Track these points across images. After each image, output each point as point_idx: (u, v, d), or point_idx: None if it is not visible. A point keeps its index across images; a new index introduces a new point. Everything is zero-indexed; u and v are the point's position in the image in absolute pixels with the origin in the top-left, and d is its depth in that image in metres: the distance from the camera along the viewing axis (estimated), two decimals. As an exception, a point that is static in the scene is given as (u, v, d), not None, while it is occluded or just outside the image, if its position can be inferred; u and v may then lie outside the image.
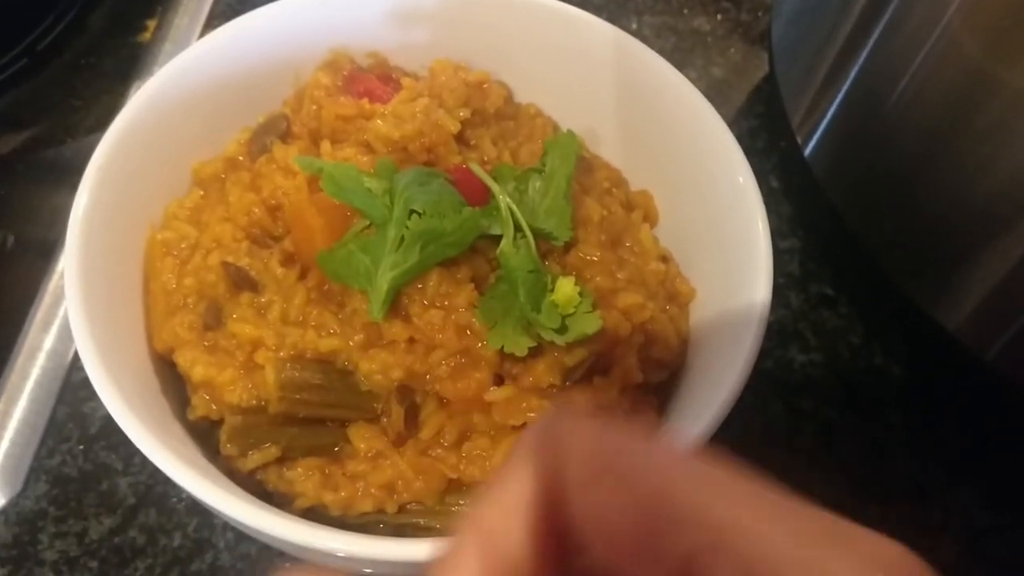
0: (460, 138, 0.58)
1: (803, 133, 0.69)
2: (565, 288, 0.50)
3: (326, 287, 0.52)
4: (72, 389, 0.64)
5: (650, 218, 0.61)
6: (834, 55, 0.64)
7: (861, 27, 0.61)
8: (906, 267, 0.63)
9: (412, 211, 0.50)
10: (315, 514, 0.49)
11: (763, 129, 0.80)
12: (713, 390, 0.48)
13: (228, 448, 0.50)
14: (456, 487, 0.50)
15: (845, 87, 0.63)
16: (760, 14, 0.88)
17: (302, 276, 0.53)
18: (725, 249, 0.55)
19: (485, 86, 0.62)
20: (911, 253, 0.63)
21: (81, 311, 0.48)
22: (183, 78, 0.58)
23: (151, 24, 0.82)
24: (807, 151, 0.68)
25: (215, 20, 0.83)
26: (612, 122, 0.64)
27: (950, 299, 0.60)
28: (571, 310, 0.50)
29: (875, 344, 0.70)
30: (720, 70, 0.84)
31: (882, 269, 0.64)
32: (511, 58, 0.64)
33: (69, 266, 0.49)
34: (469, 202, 0.52)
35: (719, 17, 0.87)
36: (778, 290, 0.70)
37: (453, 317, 0.49)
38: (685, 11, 0.87)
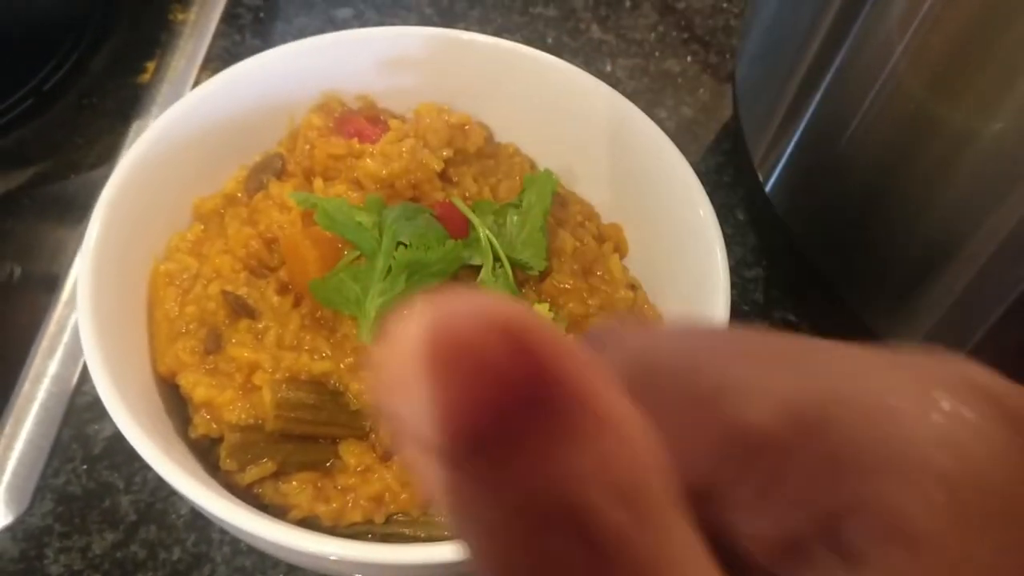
0: (443, 176, 0.59)
1: (764, 170, 0.70)
2: (540, 314, 0.51)
3: (319, 314, 0.53)
4: (76, 412, 0.64)
5: (620, 249, 0.62)
6: (792, 96, 0.65)
7: (816, 69, 0.61)
8: (861, 295, 0.65)
9: (399, 243, 0.51)
10: (309, 524, 0.50)
11: (730, 164, 0.81)
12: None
13: (228, 463, 0.51)
14: (439, 499, 0.51)
15: (802, 126, 0.64)
16: (728, 56, 0.89)
17: (296, 304, 0.54)
18: (688, 277, 0.57)
19: (467, 127, 0.62)
20: (865, 282, 0.64)
21: (93, 336, 0.49)
22: (185, 120, 0.58)
23: (150, 66, 0.83)
24: (768, 187, 0.70)
25: (211, 62, 0.84)
26: (585, 160, 0.65)
27: (903, 325, 0.62)
28: (546, 334, 0.51)
29: (834, 367, 0.71)
30: (690, 109, 0.85)
31: (840, 297, 0.65)
32: (491, 101, 0.65)
33: (82, 294, 0.50)
34: (451, 235, 0.53)
35: (689, 59, 0.89)
36: (744, 317, 0.72)
37: (438, 342, 0.51)
38: (657, 54, 0.89)
